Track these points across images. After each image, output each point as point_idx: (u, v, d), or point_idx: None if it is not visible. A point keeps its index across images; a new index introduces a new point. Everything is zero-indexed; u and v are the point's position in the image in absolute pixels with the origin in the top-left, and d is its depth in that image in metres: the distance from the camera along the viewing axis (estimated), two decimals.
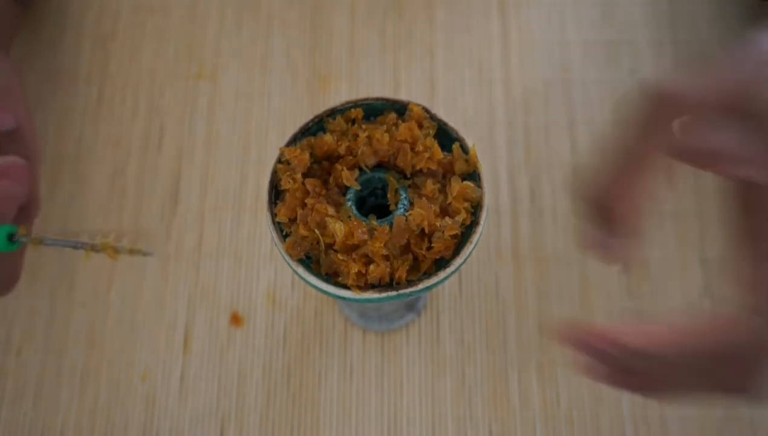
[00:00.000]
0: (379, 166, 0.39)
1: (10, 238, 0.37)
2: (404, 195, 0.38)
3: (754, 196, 0.30)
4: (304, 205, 0.37)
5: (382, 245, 0.36)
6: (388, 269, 0.36)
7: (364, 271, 0.36)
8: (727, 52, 0.32)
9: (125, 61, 0.58)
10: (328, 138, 0.39)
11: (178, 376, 0.49)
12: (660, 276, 0.51)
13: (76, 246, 0.38)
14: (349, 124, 0.39)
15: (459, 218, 0.37)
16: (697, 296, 0.50)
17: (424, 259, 0.36)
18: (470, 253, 0.36)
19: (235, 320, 0.50)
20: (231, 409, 0.48)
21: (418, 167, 0.38)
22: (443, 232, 0.36)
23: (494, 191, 0.53)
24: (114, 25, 0.59)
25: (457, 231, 0.36)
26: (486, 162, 0.50)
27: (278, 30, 0.59)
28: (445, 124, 0.39)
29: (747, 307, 0.29)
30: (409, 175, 0.38)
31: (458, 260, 0.36)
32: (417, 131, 0.38)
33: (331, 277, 0.37)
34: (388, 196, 0.38)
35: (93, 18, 0.59)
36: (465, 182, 0.37)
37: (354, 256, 0.36)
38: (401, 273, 0.36)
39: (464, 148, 0.38)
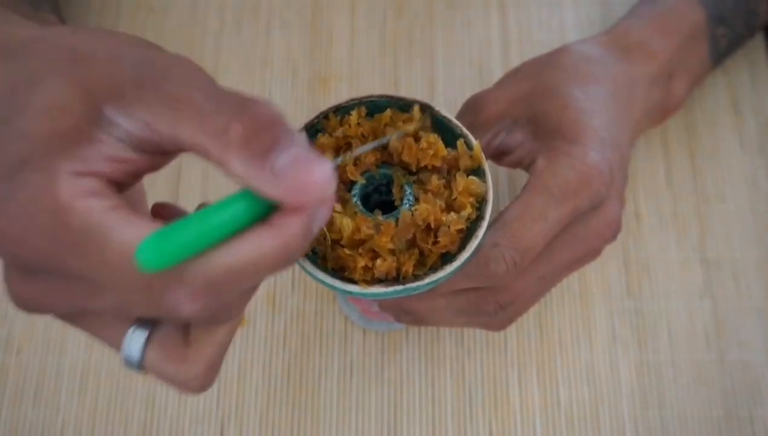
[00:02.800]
0: (384, 163, 0.39)
1: None
2: (409, 190, 0.38)
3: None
4: None
5: (388, 239, 0.36)
6: (394, 264, 0.36)
7: (371, 265, 0.36)
8: (519, 66, 0.47)
9: None
10: (323, 140, 0.39)
11: None
12: (660, 276, 0.51)
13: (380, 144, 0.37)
14: (347, 124, 0.39)
15: (464, 213, 0.37)
16: (697, 296, 0.50)
17: (430, 253, 0.37)
18: (476, 247, 0.36)
19: None
20: (231, 409, 0.48)
21: (422, 164, 0.38)
22: (449, 226, 0.36)
23: (494, 191, 0.53)
24: (114, 25, 0.59)
25: (462, 226, 0.37)
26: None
27: (278, 30, 0.59)
28: (449, 121, 0.39)
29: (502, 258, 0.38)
30: (414, 172, 0.39)
31: (464, 255, 0.36)
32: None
33: (338, 272, 0.37)
34: (393, 191, 0.38)
35: (93, 18, 0.59)
36: (470, 177, 0.38)
37: (360, 251, 0.36)
38: (408, 267, 0.36)
39: (468, 145, 0.39)
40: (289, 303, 0.51)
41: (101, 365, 0.49)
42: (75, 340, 0.50)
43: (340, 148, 0.39)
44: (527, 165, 0.44)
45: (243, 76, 0.57)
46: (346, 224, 0.36)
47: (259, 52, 0.58)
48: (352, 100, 0.40)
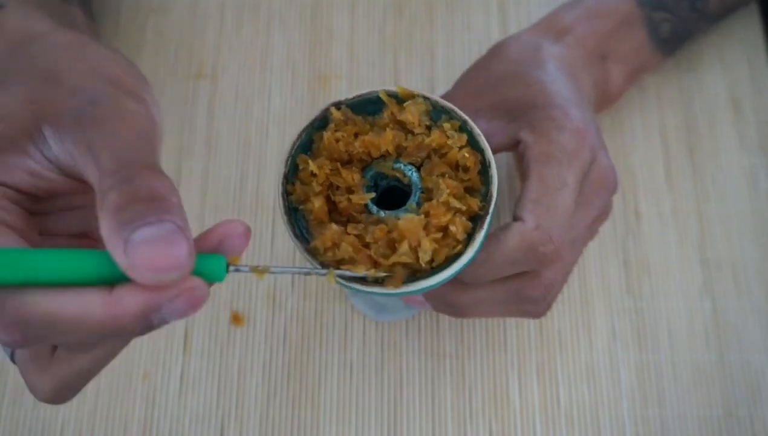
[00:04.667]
0: (364, 169, 0.39)
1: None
2: (402, 165, 0.38)
3: (518, 156, 0.43)
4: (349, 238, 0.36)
5: (419, 229, 0.35)
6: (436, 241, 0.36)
7: (437, 245, 0.36)
8: (478, 60, 0.48)
9: None
10: (312, 174, 0.38)
11: (178, 376, 0.49)
12: (660, 276, 0.51)
13: (307, 273, 0.34)
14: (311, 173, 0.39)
15: (462, 140, 0.37)
16: (697, 295, 0.50)
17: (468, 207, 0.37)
18: (497, 185, 0.37)
19: (235, 319, 0.50)
20: (231, 409, 0.48)
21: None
22: (466, 167, 0.37)
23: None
24: (114, 25, 0.59)
25: (475, 159, 0.37)
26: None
27: (278, 30, 0.59)
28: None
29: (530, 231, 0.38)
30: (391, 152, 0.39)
31: (494, 189, 0.36)
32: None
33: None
34: (396, 175, 0.38)
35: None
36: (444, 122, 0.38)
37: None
38: (458, 227, 0.36)
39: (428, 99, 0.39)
40: (289, 303, 0.51)
41: None
42: None
43: (346, 161, 0.39)
44: (508, 147, 0.44)
45: (243, 76, 0.57)
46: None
47: (259, 52, 0.58)
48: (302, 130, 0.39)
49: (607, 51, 0.49)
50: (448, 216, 0.36)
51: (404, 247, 0.35)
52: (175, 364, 0.49)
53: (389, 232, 0.36)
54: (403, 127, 0.39)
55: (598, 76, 0.49)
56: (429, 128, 0.38)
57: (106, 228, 0.26)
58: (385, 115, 0.39)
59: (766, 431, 0.47)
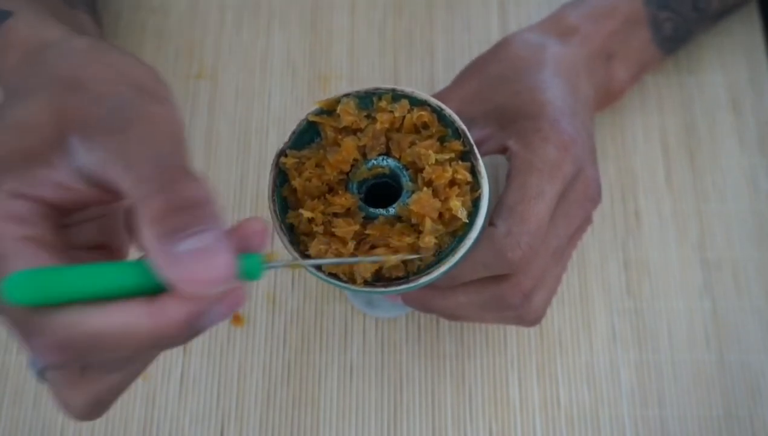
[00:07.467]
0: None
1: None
2: (374, 161, 0.38)
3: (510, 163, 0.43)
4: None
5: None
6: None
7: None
8: (468, 65, 0.48)
9: None
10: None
11: (178, 376, 0.49)
12: (660, 276, 0.51)
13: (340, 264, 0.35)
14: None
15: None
16: (697, 296, 0.50)
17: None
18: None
19: (235, 319, 0.50)
20: (231, 409, 0.48)
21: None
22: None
23: (493, 192, 0.53)
24: (114, 25, 0.59)
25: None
26: (485, 162, 0.50)
27: (278, 30, 0.59)
28: (366, 92, 0.39)
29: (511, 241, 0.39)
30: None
31: (459, 123, 0.37)
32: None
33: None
34: (375, 173, 0.38)
35: None
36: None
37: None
38: (464, 167, 0.36)
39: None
40: (289, 303, 0.51)
41: None
42: None
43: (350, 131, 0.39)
44: (498, 152, 0.45)
45: (243, 76, 0.57)
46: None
47: (259, 52, 0.58)
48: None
49: (612, 50, 0.49)
50: (448, 170, 0.36)
51: (428, 224, 0.35)
52: (175, 364, 0.49)
53: (407, 219, 0.36)
54: (350, 131, 0.39)
55: (600, 76, 0.49)
56: (370, 117, 0.39)
57: (148, 238, 0.26)
58: (327, 132, 0.39)
59: (766, 431, 0.47)
